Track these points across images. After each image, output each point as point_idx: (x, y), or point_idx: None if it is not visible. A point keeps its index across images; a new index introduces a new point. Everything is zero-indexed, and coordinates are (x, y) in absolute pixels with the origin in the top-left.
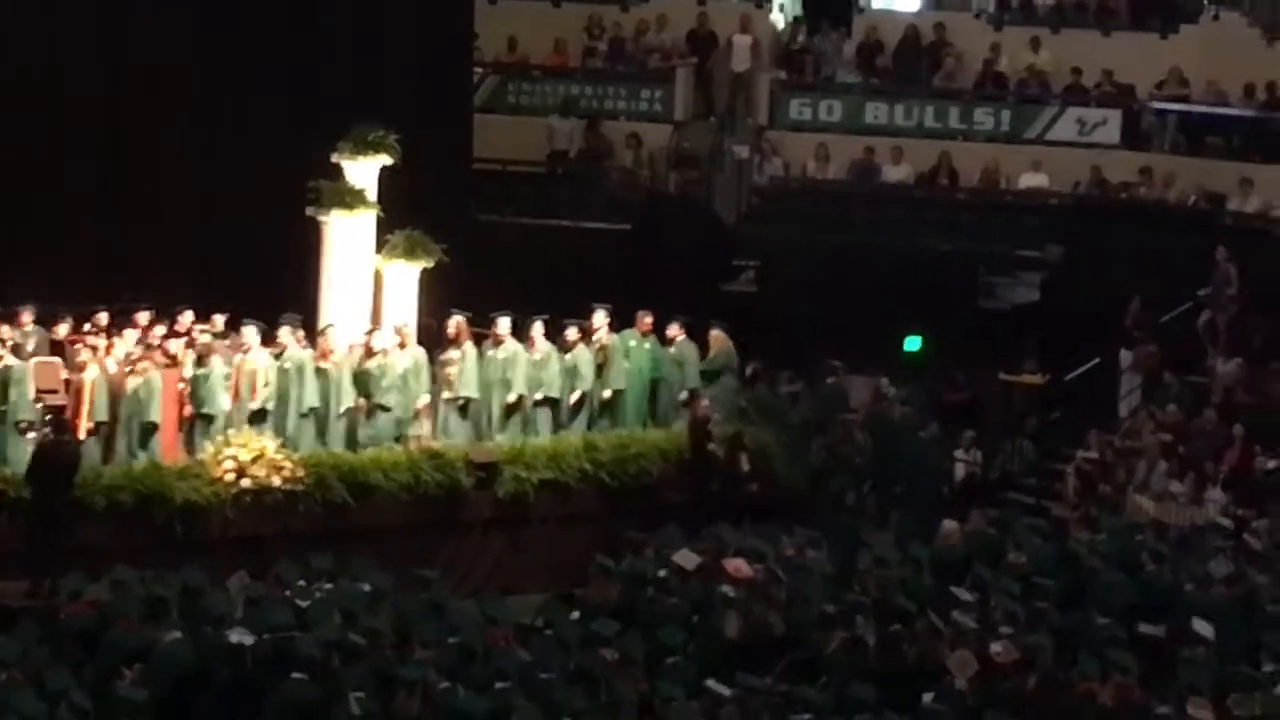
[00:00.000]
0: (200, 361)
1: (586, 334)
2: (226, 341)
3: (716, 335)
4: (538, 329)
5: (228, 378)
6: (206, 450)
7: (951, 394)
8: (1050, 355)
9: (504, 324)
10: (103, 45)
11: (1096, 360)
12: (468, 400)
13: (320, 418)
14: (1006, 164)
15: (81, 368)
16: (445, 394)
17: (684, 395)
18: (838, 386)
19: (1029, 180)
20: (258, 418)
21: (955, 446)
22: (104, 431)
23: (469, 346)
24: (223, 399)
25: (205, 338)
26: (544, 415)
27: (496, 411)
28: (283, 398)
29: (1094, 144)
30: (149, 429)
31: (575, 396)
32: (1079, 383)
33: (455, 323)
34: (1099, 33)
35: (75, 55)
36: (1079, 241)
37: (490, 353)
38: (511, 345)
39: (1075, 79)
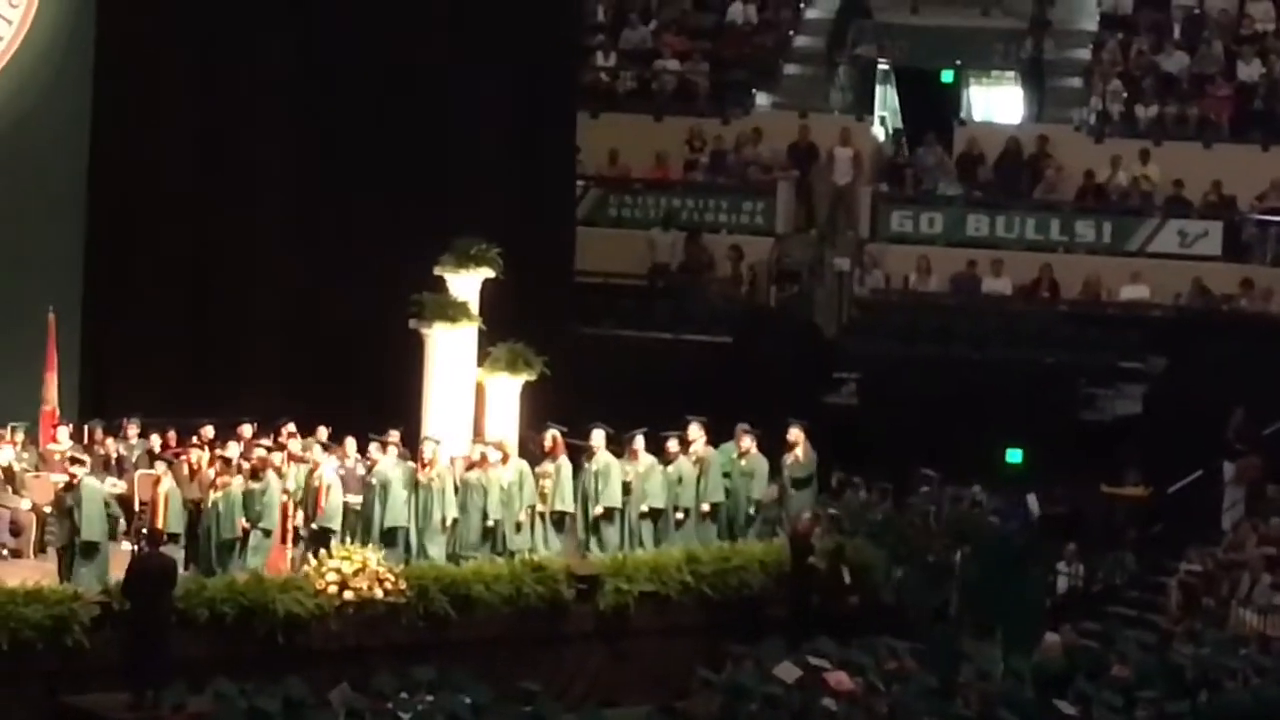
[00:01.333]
0: (255, 475)
1: (684, 446)
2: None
3: (798, 435)
4: (639, 442)
5: (286, 492)
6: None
7: (1052, 506)
8: (1152, 467)
9: (598, 436)
10: (203, 158)
11: (1199, 472)
12: (563, 514)
13: (418, 530)
14: (1108, 276)
15: (156, 481)
16: (539, 507)
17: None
18: (932, 497)
19: (1130, 292)
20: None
21: (1057, 559)
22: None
23: (564, 460)
24: (274, 514)
25: (294, 447)
26: (647, 528)
27: (589, 523)
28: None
29: (1195, 256)
30: (227, 544)
31: (679, 515)
32: (1181, 495)
33: (551, 436)
34: (1200, 145)
35: (171, 165)
36: (1180, 353)
37: (586, 465)
38: (604, 457)
39: (1176, 191)
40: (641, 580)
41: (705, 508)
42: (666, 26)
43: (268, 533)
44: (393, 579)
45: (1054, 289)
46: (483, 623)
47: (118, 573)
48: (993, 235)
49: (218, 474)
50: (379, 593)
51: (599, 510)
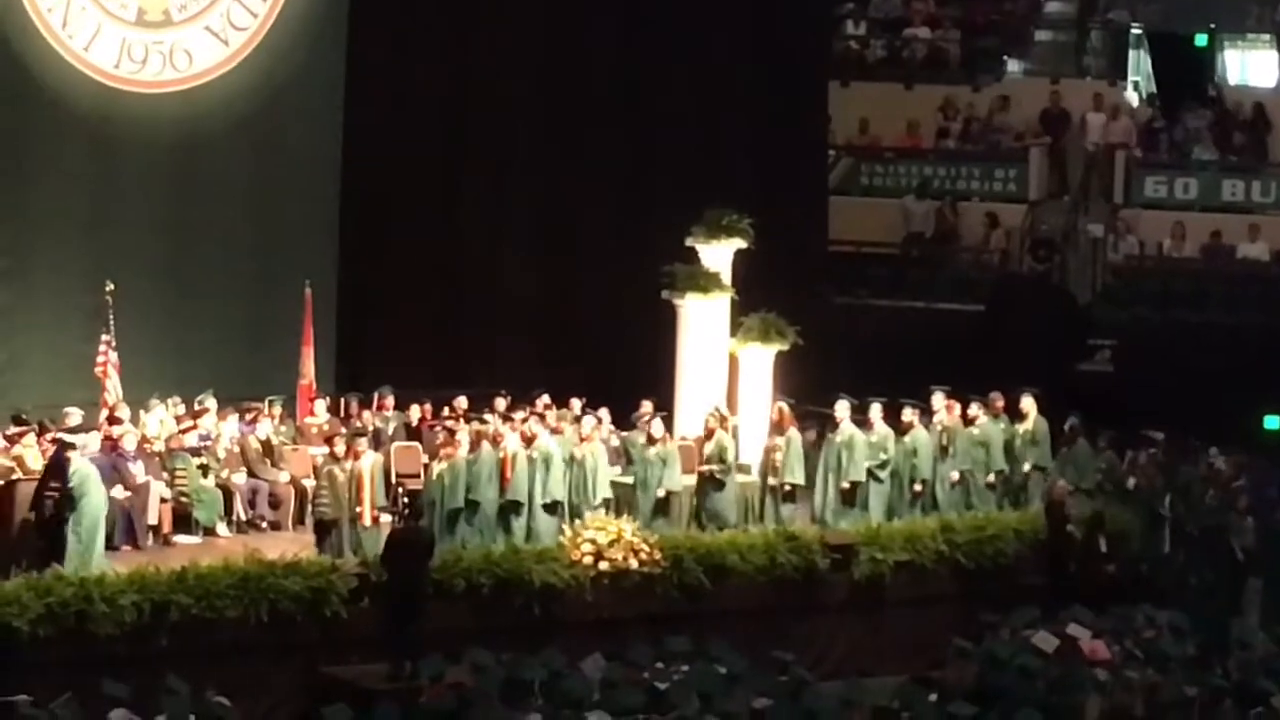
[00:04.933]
0: (471, 448)
1: (929, 415)
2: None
3: (1030, 404)
4: (875, 411)
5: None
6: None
7: None
8: None
9: (842, 407)
10: (454, 132)
11: None
12: (794, 487)
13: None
14: None
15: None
16: (771, 480)
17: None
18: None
19: None
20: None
21: None
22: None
23: (793, 433)
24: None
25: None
26: (877, 497)
27: (832, 494)
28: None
29: None
30: (452, 514)
31: (918, 486)
32: None
33: (778, 408)
34: None
35: (421, 138)
36: None
37: (829, 435)
38: (848, 428)
39: None
40: (896, 550)
41: (955, 476)
42: None
43: (476, 505)
44: (648, 549)
45: None
46: (737, 593)
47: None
48: (1248, 199)
49: (441, 444)
50: (634, 563)
51: (845, 484)
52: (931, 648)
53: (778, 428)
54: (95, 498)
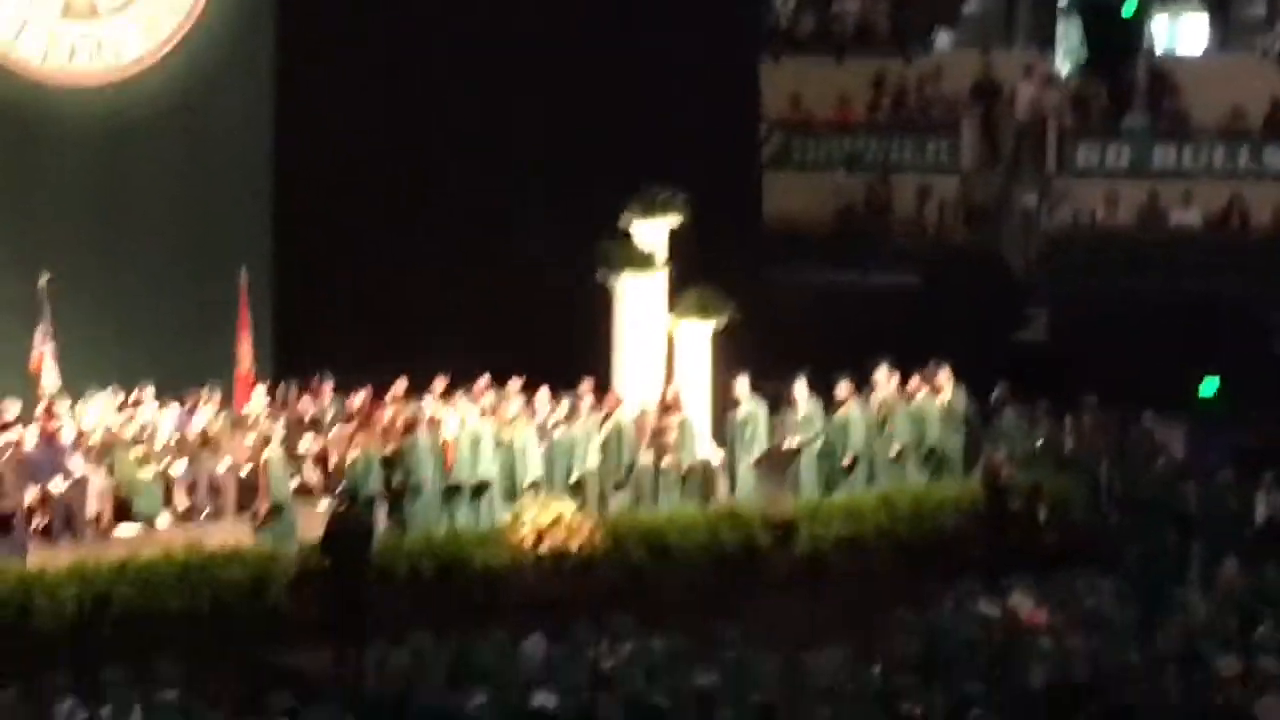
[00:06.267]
0: (407, 432)
1: (872, 389)
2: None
3: (946, 377)
4: (800, 387)
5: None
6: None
7: (1251, 438)
8: None
9: (741, 384)
10: (388, 116)
11: None
12: (688, 467)
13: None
14: None
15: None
16: (666, 460)
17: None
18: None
19: None
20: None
21: (1256, 489)
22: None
23: (687, 414)
24: (426, 469)
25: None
26: (807, 474)
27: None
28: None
29: None
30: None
31: (848, 459)
32: None
33: (672, 389)
34: None
35: (353, 123)
36: None
37: (734, 412)
38: (750, 404)
39: None
40: (837, 525)
41: (894, 451)
42: None
43: (418, 489)
44: (588, 530)
45: (1244, 218)
46: (679, 571)
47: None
48: (1180, 166)
49: (351, 433)
50: (575, 544)
51: (749, 460)
52: (874, 621)
53: (669, 409)
54: None
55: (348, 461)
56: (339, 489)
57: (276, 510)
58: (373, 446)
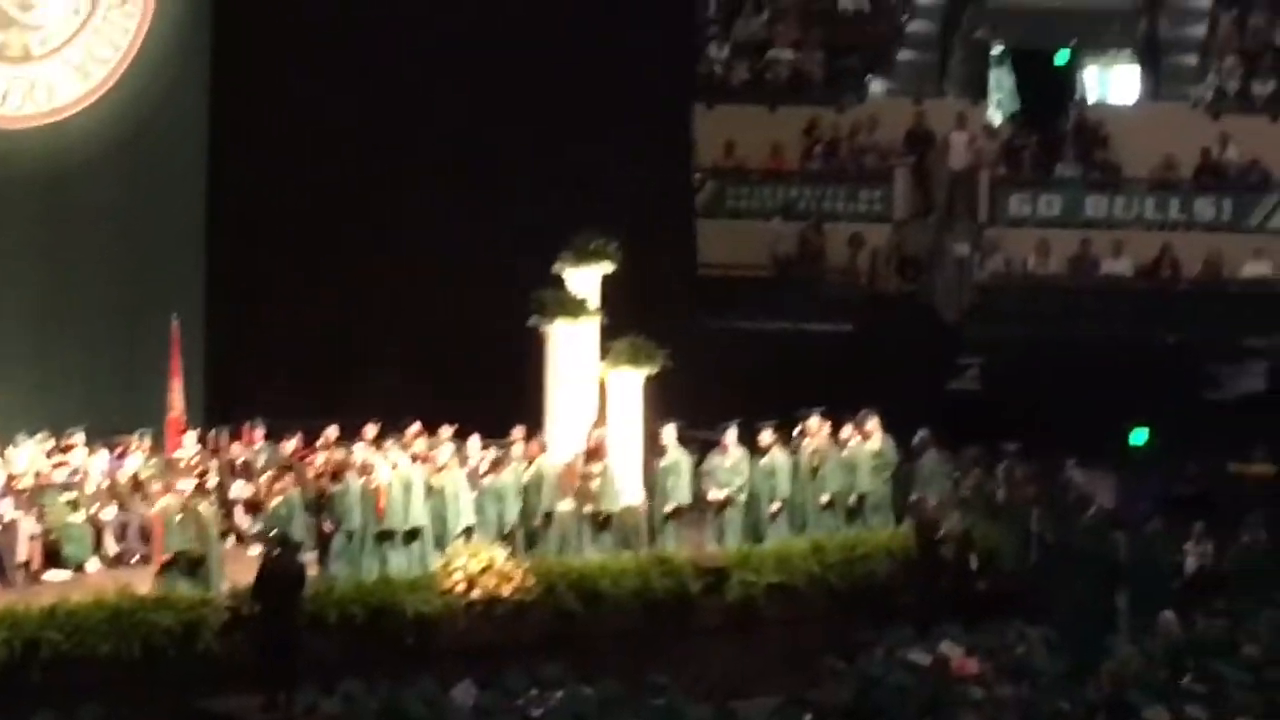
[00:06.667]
0: (335, 478)
1: (805, 436)
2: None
3: (874, 425)
4: (730, 435)
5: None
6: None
7: (1182, 487)
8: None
9: (669, 432)
10: (323, 163)
11: None
12: (609, 515)
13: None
14: (1228, 253)
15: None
16: (588, 508)
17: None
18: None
19: (1252, 269)
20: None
21: (1185, 539)
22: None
23: (609, 462)
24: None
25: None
26: (733, 522)
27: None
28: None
29: None
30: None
31: (775, 506)
32: None
33: (595, 437)
34: None
35: (287, 168)
36: None
37: (658, 460)
38: (675, 453)
39: None
40: (768, 572)
41: (824, 499)
42: (779, 16)
43: (350, 535)
44: (519, 576)
45: (1175, 268)
46: (611, 617)
47: (247, 577)
48: (1111, 216)
49: (274, 478)
50: (506, 590)
51: (669, 508)
52: (806, 668)
53: (594, 455)
54: None
55: (270, 506)
56: (265, 533)
57: (179, 560)
58: (299, 492)
